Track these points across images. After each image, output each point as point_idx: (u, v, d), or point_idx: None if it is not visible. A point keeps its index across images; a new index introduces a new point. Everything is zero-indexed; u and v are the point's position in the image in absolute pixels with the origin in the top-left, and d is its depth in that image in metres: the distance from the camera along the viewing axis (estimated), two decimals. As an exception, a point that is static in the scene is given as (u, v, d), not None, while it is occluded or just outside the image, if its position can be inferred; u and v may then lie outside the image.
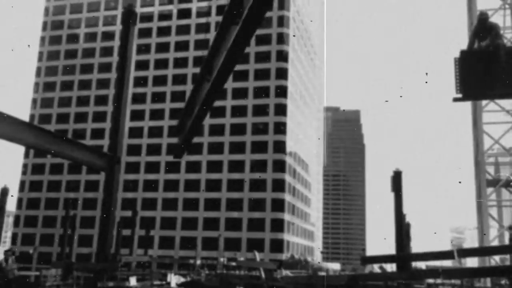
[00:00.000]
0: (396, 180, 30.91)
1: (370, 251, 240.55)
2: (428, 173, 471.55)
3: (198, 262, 50.85)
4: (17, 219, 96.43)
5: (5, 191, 43.43)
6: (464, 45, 10.51)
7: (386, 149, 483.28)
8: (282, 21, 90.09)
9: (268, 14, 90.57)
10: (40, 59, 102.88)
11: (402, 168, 31.38)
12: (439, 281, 26.79)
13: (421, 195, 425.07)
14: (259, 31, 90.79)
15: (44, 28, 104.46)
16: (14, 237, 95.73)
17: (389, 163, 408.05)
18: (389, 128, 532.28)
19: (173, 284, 25.78)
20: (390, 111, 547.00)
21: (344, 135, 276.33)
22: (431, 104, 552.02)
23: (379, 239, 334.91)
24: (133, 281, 21.70)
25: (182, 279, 29.94)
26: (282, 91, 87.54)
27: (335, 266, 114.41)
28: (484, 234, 33.52)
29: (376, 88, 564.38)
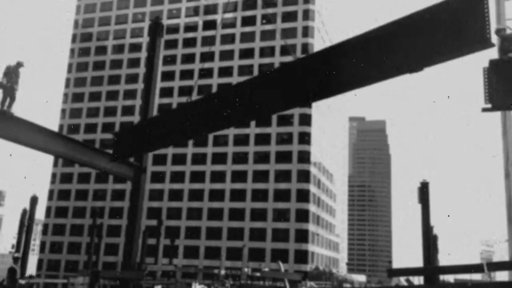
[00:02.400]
0: (423, 191, 30.47)
1: (397, 263, 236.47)
2: (456, 183, 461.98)
3: (223, 272, 50.82)
4: (45, 227, 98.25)
5: (34, 200, 44.41)
6: (493, 55, 10.34)
7: (413, 160, 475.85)
8: (307, 32, 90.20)
9: (292, 24, 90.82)
10: (69, 70, 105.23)
11: (429, 179, 30.89)
12: (468, 295, 26.12)
13: (449, 206, 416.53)
14: (282, 44, 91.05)
15: (74, 40, 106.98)
16: (42, 245, 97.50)
17: (416, 173, 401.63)
18: (416, 138, 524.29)
19: (197, 294, 25.79)
20: (416, 121, 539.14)
21: (370, 145, 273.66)
22: (459, 113, 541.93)
23: (405, 251, 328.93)
24: (158, 290, 21.80)
25: (206, 289, 29.94)
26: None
27: (360, 278, 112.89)
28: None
29: (402, 97, 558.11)
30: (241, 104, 9.40)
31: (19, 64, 14.42)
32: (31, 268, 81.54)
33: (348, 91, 8.32)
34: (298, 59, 8.75)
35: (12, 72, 14.20)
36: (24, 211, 44.63)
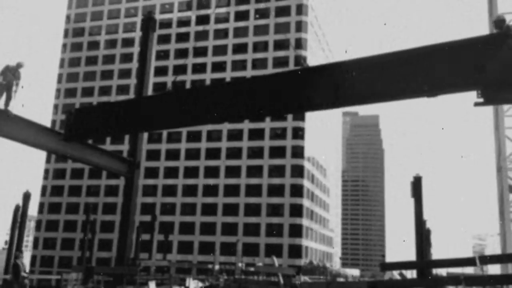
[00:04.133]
0: (416, 185, 30.60)
1: (390, 257, 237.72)
2: (449, 178, 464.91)
3: (217, 267, 50.87)
4: (38, 223, 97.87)
5: (27, 196, 44.18)
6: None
7: (406, 154, 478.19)
8: (300, 27, 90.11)
9: (285, 20, 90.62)
10: (61, 65, 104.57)
11: (423, 173, 31.02)
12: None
13: (442, 200, 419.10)
14: (277, 36, 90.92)
15: (66, 35, 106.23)
16: (35, 241, 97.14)
17: (409, 168, 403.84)
18: (409, 133, 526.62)
19: (191, 289, 25.81)
20: (410, 115, 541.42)
21: (363, 140, 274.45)
22: (452, 108, 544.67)
23: (398, 245, 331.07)
24: (152, 285, 21.80)
25: (200, 284, 29.96)
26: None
27: (354, 272, 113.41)
28: None
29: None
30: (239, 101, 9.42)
31: (19, 65, 14.53)
32: (25, 264, 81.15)
33: (359, 105, 8.53)
34: (316, 66, 8.91)
35: (10, 72, 14.29)
36: (17, 207, 44.39)
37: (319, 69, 8.90)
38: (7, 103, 14.22)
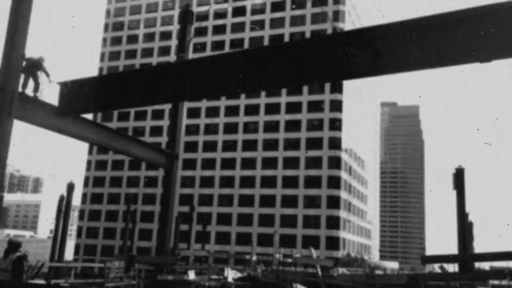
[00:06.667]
0: (459, 177, 29.84)
1: (430, 251, 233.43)
2: (492, 169, 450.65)
3: (254, 258, 51.17)
4: (81, 213, 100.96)
5: (71, 186, 45.59)
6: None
7: (447, 145, 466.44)
8: (337, 16, 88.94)
9: (323, 9, 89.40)
10: (102, 59, 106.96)
11: (465, 165, 30.23)
12: (504, 282, 25.58)
13: (484, 192, 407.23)
14: (314, 26, 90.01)
15: (106, 29, 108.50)
16: (79, 230, 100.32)
17: (451, 159, 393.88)
18: (450, 123, 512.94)
19: (230, 279, 26.05)
20: (451, 105, 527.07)
21: (402, 131, 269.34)
22: (495, 97, 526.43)
23: (439, 238, 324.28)
24: (191, 274, 22.14)
25: (238, 274, 30.19)
26: (337, 87, 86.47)
27: (392, 265, 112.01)
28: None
29: (436, 81, 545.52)
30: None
31: (41, 59, 13.98)
32: (69, 252, 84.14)
33: (401, 72, 7.91)
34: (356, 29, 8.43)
35: (34, 65, 13.87)
36: (61, 198, 45.88)
37: (357, 33, 8.41)
38: (36, 89, 13.88)
